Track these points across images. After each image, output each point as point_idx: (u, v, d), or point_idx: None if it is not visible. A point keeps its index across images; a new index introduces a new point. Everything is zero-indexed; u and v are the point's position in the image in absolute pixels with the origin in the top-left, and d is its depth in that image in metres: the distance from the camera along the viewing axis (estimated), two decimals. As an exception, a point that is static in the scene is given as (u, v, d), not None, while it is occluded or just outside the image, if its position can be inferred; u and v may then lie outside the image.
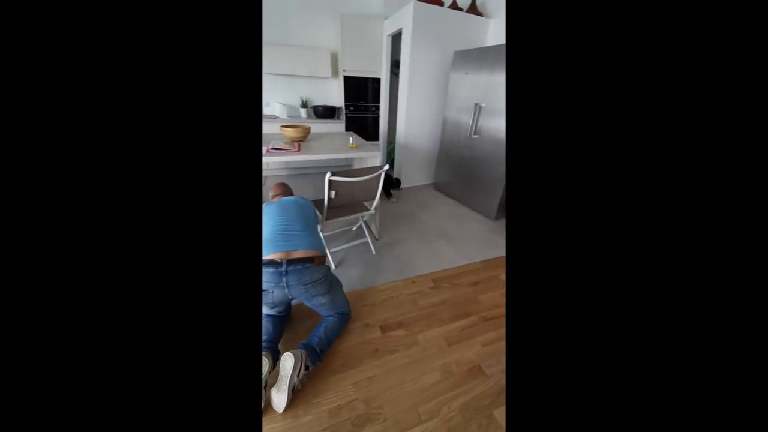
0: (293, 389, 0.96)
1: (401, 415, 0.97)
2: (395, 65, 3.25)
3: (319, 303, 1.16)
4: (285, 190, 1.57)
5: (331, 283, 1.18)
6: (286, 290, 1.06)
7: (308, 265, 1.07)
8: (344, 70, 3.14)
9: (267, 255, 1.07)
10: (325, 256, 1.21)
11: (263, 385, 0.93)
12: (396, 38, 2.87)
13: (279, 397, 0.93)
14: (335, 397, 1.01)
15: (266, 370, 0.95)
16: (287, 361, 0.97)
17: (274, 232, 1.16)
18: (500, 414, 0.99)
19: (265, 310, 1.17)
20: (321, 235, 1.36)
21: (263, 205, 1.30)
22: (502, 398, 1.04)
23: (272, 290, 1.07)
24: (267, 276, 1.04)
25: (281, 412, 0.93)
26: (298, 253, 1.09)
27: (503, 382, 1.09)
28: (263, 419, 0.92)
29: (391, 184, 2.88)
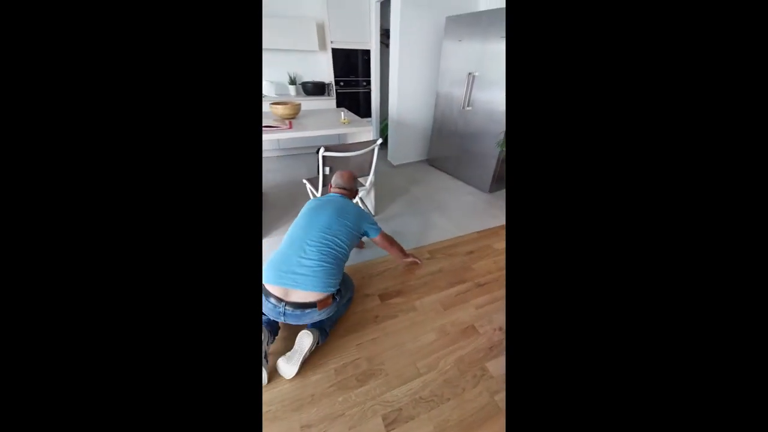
0: (303, 362, 1.03)
1: (402, 369, 1.05)
2: (385, 35, 3.09)
3: None
4: (348, 182, 1.33)
5: (336, 308, 1.11)
6: (282, 319, 1.03)
7: (309, 310, 1.00)
8: (332, 42, 2.99)
9: (267, 280, 0.99)
10: (333, 296, 1.05)
11: (263, 355, 0.99)
12: (385, 5, 2.72)
13: (290, 368, 0.99)
14: (340, 358, 1.09)
15: (265, 341, 1.00)
16: (305, 339, 1.02)
17: (284, 249, 1.04)
18: (492, 366, 1.08)
19: None
20: (343, 261, 1.11)
21: (310, 200, 1.23)
22: (494, 352, 1.13)
23: (270, 315, 1.03)
24: (265, 304, 1.00)
25: (289, 379, 1.00)
26: (298, 296, 0.98)
27: (495, 338, 1.18)
28: (272, 384, 1.00)
29: None
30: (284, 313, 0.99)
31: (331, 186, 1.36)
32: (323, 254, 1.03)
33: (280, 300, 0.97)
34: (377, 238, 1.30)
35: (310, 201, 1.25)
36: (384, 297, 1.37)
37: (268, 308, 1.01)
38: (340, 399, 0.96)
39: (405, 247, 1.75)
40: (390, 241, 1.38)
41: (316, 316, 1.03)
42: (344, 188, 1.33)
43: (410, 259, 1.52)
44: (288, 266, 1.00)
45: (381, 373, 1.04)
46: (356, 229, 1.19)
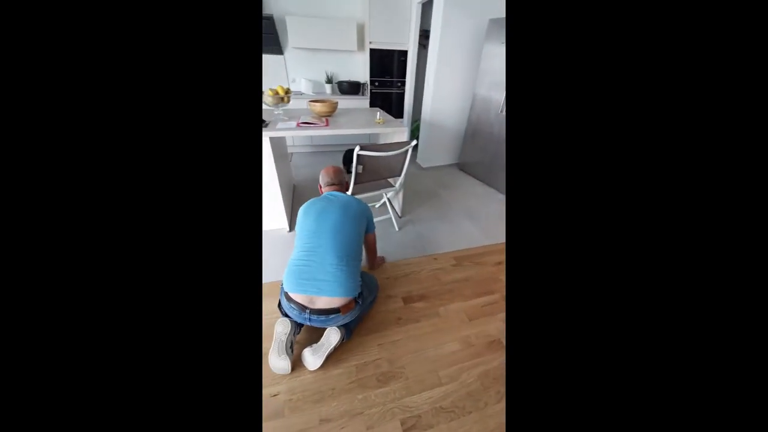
0: (328, 356, 1.05)
1: (423, 376, 1.04)
2: (424, 36, 3.07)
3: None
4: (336, 177, 1.30)
5: (359, 311, 1.11)
6: (308, 323, 1.06)
7: (333, 316, 1.01)
8: (370, 43, 3.02)
9: (289, 289, 1.01)
10: (356, 299, 1.06)
11: (290, 345, 1.03)
12: (427, 6, 2.69)
13: (315, 360, 1.02)
14: (362, 355, 1.10)
15: (288, 331, 1.04)
16: (332, 335, 1.05)
17: (301, 257, 1.03)
18: (518, 384, 1.03)
19: None
20: (359, 260, 1.12)
21: (308, 202, 1.16)
22: (521, 370, 1.07)
23: (296, 320, 1.05)
24: (290, 311, 1.03)
25: (312, 371, 1.03)
26: (322, 302, 0.99)
27: (523, 356, 1.12)
28: (295, 373, 1.03)
29: None
30: (309, 319, 1.02)
31: (321, 187, 1.31)
32: (339, 257, 1.03)
33: (304, 308, 1.00)
34: (370, 235, 1.32)
35: (307, 204, 1.16)
36: (407, 300, 1.36)
37: (293, 314, 1.04)
38: (360, 397, 0.96)
39: (431, 252, 1.73)
40: (375, 242, 1.42)
41: (341, 320, 1.05)
42: (335, 184, 1.29)
43: (377, 263, 1.57)
44: (309, 273, 1.01)
45: (402, 376, 1.03)
46: (362, 220, 1.20)
